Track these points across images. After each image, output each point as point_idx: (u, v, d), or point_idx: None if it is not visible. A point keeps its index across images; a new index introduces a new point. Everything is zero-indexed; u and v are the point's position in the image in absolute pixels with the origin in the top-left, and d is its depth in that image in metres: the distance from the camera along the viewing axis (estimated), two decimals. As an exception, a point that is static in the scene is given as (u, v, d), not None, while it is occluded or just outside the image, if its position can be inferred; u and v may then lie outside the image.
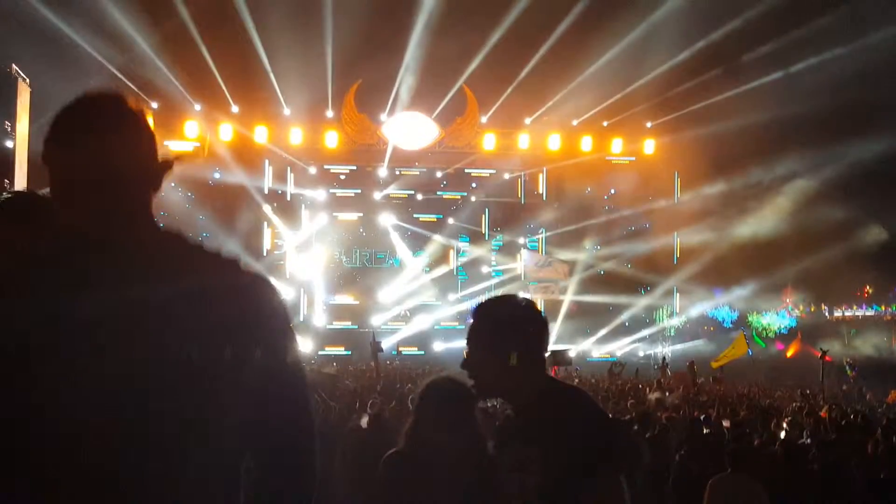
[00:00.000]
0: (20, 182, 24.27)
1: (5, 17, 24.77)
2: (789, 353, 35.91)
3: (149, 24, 30.70)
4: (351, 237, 41.39)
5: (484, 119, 39.13)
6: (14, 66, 23.78)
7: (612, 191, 41.46)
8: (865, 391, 27.21)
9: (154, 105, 35.84)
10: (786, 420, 12.53)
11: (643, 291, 41.00)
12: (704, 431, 11.00)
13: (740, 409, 15.31)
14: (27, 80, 24.46)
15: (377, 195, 40.48)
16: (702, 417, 12.35)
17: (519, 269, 41.70)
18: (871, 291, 45.86)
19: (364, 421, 10.00)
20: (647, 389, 21.11)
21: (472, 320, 3.20)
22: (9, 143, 23.50)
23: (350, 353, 36.48)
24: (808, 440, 10.41)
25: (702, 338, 41.37)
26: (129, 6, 29.11)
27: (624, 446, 2.99)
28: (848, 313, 46.22)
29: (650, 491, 8.16)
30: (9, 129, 23.49)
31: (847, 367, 29.92)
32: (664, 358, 31.27)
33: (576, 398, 3.07)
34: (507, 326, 3.09)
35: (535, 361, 3.09)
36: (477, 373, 3.15)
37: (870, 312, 45.60)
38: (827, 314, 45.64)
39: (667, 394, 18.42)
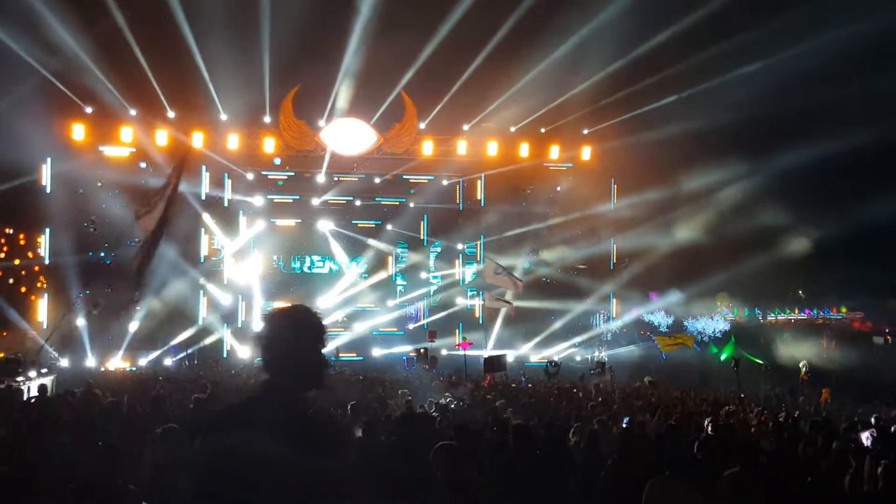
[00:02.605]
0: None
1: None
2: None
3: (83, 28, 30.38)
4: (289, 243, 41.18)
5: (422, 125, 39.20)
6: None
7: (550, 197, 41.63)
8: (798, 394, 27.77)
9: (88, 110, 35.51)
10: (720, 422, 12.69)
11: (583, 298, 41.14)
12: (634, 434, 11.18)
13: (674, 412, 15.51)
14: (-43, 85, 24.13)
15: (315, 201, 40.31)
16: (627, 420, 12.56)
17: (457, 274, 41.86)
18: (803, 296, 46.70)
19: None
20: (583, 395, 21.31)
21: None
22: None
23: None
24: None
25: (638, 342, 41.76)
26: (62, 10, 28.80)
27: None
28: (781, 317, 46.94)
29: (584, 497, 8.25)
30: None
31: (802, 369, 30.54)
32: (610, 367, 30.93)
33: None
34: None
35: None
36: None
37: (802, 316, 46.39)
38: (760, 318, 46.32)
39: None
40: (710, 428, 11.53)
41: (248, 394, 3.58)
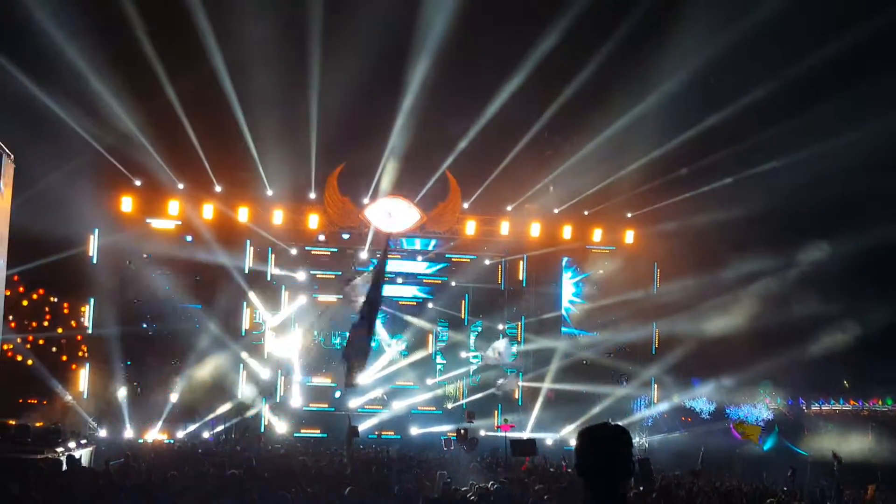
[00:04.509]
0: (1, 256, 24.21)
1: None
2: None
3: (134, 102, 31.01)
4: (330, 319, 41.16)
5: (465, 205, 39.40)
6: (-1, 141, 23.87)
7: (592, 280, 41.60)
8: (843, 487, 27.11)
9: (137, 183, 36.03)
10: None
11: (623, 382, 40.72)
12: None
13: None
14: (11, 156, 24.53)
15: (358, 278, 40.44)
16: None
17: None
18: (847, 386, 45.89)
19: None
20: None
21: None
22: (-10, 218, 23.47)
23: (326, 435, 36.20)
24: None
25: (679, 429, 41.18)
26: (115, 84, 29.44)
27: None
28: (825, 407, 46.11)
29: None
30: (-10, 205, 23.48)
31: (834, 462, 29.80)
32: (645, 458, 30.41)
33: None
34: None
35: None
36: None
37: (847, 407, 45.54)
38: (804, 408, 45.51)
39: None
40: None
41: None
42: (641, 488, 18.04)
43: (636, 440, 39.08)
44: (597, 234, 40.52)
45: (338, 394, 39.57)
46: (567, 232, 39.86)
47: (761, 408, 44.24)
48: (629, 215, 40.54)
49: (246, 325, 38.84)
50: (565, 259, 41.94)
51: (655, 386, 41.62)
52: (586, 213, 40.18)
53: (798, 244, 36.25)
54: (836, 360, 39.19)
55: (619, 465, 4.24)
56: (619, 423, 4.41)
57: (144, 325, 37.39)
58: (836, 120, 30.84)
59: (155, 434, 34.55)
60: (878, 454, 36.44)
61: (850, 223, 33.67)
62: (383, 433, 37.49)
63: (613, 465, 4.22)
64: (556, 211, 39.98)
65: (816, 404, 45.94)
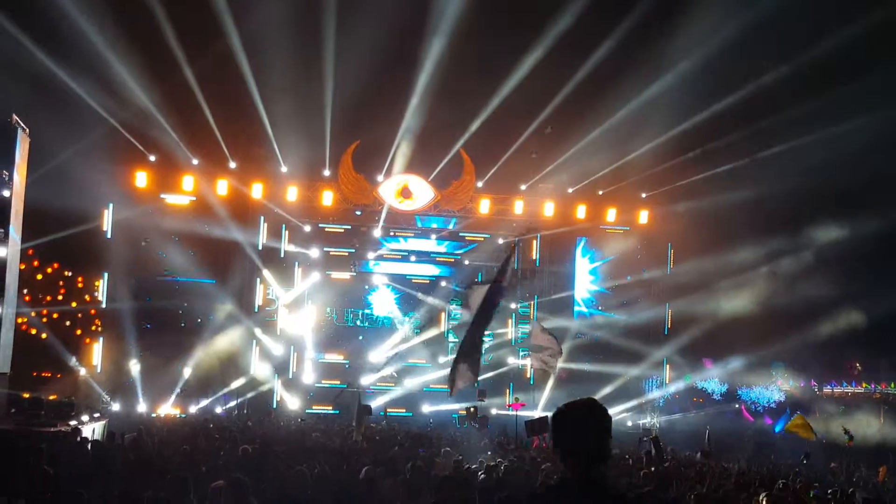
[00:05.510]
0: (16, 230, 24.32)
1: (7, 67, 25.03)
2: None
3: (150, 78, 31.01)
4: (343, 296, 41.21)
5: (480, 184, 39.31)
6: (14, 116, 23.95)
7: (606, 259, 41.53)
8: (853, 469, 27.13)
9: (152, 158, 36.06)
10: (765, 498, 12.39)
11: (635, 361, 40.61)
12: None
13: (725, 484, 15.24)
14: (27, 131, 24.61)
15: (371, 255, 40.57)
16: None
17: (510, 334, 41.56)
18: (860, 369, 45.83)
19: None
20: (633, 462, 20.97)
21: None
22: (6, 193, 23.57)
23: (338, 412, 36.28)
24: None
25: (691, 410, 41.18)
26: (131, 61, 29.43)
27: None
28: (837, 389, 46.08)
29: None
30: (7, 179, 23.58)
31: (846, 436, 29.73)
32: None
33: None
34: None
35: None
36: None
37: (859, 390, 45.50)
38: (816, 390, 45.48)
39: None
40: (765, 503, 11.28)
41: (560, 478, 4.25)
42: (653, 469, 18.03)
43: (648, 420, 39.16)
44: (611, 214, 40.40)
45: (346, 364, 39.84)
46: (581, 212, 39.77)
47: (773, 389, 44.23)
48: (644, 195, 40.44)
49: (259, 301, 38.93)
50: (583, 240, 41.87)
51: (667, 366, 41.57)
52: (600, 192, 40.09)
53: (813, 225, 36.13)
54: (849, 343, 39.13)
55: (592, 445, 4.02)
56: (596, 399, 4.20)
57: (157, 300, 37.44)
58: (854, 101, 30.66)
59: (167, 408, 34.72)
60: (889, 436, 36.43)
61: (866, 205, 33.54)
62: (394, 410, 37.52)
63: (586, 445, 4.01)
64: (570, 190, 39.91)
65: (828, 386, 45.90)
